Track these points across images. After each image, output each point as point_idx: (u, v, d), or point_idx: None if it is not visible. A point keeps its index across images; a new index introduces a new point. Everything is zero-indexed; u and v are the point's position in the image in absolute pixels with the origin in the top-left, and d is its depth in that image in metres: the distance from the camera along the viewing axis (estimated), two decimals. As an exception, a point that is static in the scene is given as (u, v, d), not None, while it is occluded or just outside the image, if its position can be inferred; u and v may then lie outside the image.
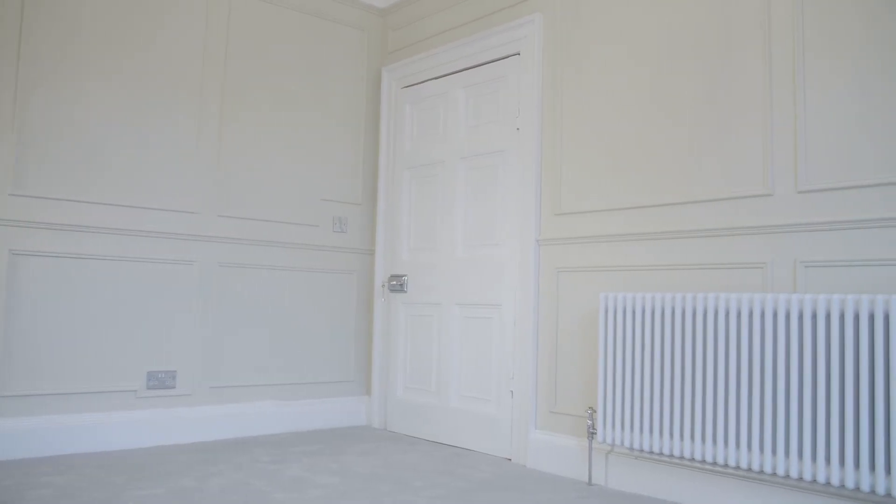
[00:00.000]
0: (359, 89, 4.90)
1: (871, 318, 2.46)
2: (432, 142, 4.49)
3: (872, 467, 2.43)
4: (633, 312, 3.10)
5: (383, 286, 4.71)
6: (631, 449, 3.15)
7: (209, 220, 4.18)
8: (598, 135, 3.54)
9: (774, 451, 2.65)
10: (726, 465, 2.79)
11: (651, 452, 3.05)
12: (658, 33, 3.33)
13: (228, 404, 4.21)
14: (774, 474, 2.67)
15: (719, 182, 3.06)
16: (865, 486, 2.43)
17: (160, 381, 3.96)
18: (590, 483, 3.34)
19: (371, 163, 4.92)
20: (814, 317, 2.58)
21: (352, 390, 4.75)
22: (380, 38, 5.00)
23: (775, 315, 2.67)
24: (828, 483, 2.54)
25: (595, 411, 3.32)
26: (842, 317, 2.52)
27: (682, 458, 2.95)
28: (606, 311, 3.20)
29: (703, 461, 2.86)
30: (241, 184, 4.32)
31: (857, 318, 2.49)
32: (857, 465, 2.47)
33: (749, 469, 2.72)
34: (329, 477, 3.33)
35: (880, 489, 2.39)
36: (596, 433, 3.25)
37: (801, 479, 2.60)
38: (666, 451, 2.94)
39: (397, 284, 4.57)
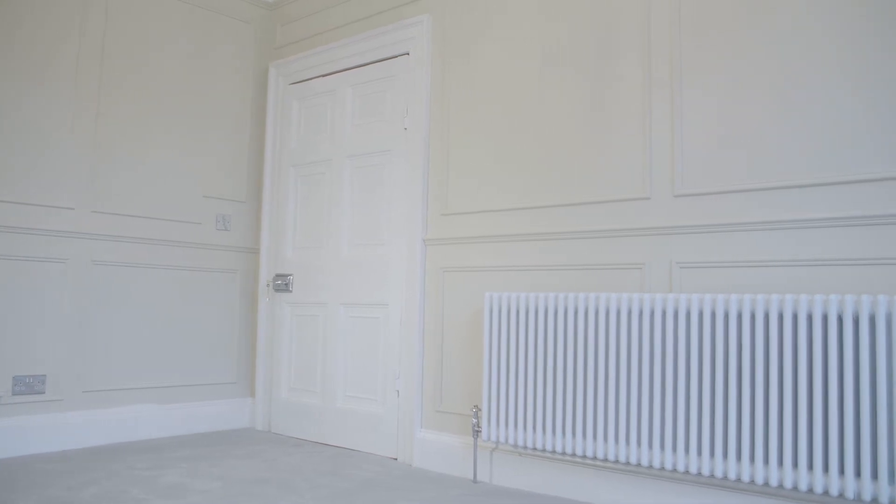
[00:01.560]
0: (245, 84, 4.78)
1: (739, 316, 2.59)
2: (319, 139, 4.44)
3: (739, 457, 2.56)
4: (517, 312, 3.15)
5: (268, 286, 4.61)
6: (515, 446, 3.21)
7: (82, 215, 3.97)
8: (485, 136, 3.59)
9: (651, 445, 2.75)
10: (606, 460, 2.89)
11: (534, 449, 3.12)
12: (545, 39, 3.41)
13: (103, 409, 4.02)
14: (651, 467, 2.78)
15: (602, 185, 3.16)
16: (732, 475, 2.56)
17: (28, 386, 3.74)
18: (475, 481, 3.38)
19: (256, 160, 4.81)
20: (688, 315, 2.70)
21: (235, 392, 4.63)
22: (268, 32, 4.90)
23: (652, 314, 2.78)
24: (699, 473, 2.67)
25: (480, 410, 3.36)
26: (713, 315, 2.65)
27: (564, 453, 3.03)
28: (491, 311, 3.24)
29: (584, 456, 2.95)
30: (118, 179, 4.13)
31: (726, 316, 2.62)
32: (725, 455, 2.59)
33: (627, 463, 2.82)
34: (210, 482, 3.23)
35: (745, 477, 2.53)
36: (481, 431, 3.29)
37: (675, 470, 2.72)
38: (549, 447, 3.01)
39: (282, 284, 4.49)
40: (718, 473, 2.59)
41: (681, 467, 2.67)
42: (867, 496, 2.32)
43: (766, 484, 2.51)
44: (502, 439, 3.17)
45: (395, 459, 3.81)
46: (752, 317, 2.57)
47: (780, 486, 2.49)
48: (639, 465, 2.79)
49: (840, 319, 2.41)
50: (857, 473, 2.36)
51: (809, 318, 2.46)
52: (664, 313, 2.75)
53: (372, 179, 4.11)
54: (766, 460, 2.52)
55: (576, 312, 2.98)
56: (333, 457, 3.83)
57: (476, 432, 3.35)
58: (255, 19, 4.83)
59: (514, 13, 3.54)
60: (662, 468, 2.74)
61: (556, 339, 3.02)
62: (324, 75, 4.45)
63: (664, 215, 2.97)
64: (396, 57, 4.06)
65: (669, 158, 2.98)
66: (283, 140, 4.64)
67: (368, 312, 4.05)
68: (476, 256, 3.57)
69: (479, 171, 3.59)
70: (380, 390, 3.95)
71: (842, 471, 2.38)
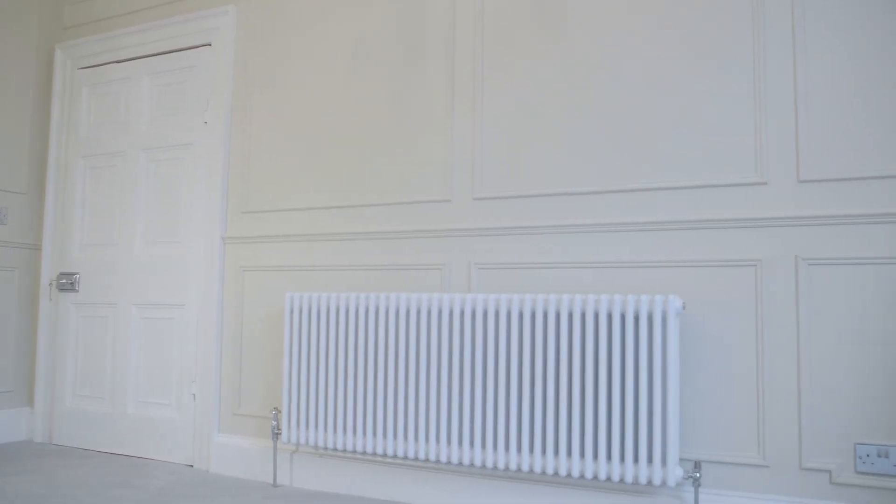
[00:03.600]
0: (27, 66, 4.38)
1: (533, 315, 2.71)
2: (113, 130, 4.16)
3: (519, 449, 2.69)
4: (319, 312, 3.12)
5: (51, 285, 4.26)
6: (316, 447, 3.18)
7: None
8: (289, 134, 3.52)
9: (449, 442, 2.82)
10: (406, 458, 2.93)
11: (336, 450, 3.09)
12: (354, 35, 3.40)
13: None
14: (449, 463, 2.85)
15: (406, 186, 3.20)
16: (525, 467, 2.68)
17: None
18: (275, 484, 3.31)
19: (40, 148, 4.43)
20: (485, 315, 2.79)
21: (10, 401, 4.24)
22: (54, 11, 4.52)
23: (451, 314, 2.84)
24: (494, 467, 2.77)
25: (280, 412, 3.30)
26: (508, 314, 2.75)
27: (365, 453, 3.03)
28: (292, 311, 3.18)
29: (385, 455, 2.97)
30: None
31: (521, 315, 2.74)
32: (519, 449, 2.71)
33: (427, 460, 2.86)
34: (-24, 500, 2.94)
35: (548, 469, 2.66)
36: (281, 433, 3.23)
37: (472, 465, 2.79)
38: (350, 447, 3.00)
39: (68, 283, 4.17)
40: (512, 466, 2.70)
41: (478, 463, 2.75)
42: (643, 480, 2.52)
43: (569, 475, 2.64)
44: (303, 441, 3.12)
45: (192, 466, 3.65)
46: (545, 315, 2.70)
47: (582, 476, 2.64)
48: (438, 461, 2.84)
49: (623, 318, 2.58)
50: (636, 459, 2.55)
51: (596, 316, 2.62)
52: (462, 313, 2.82)
53: (169, 174, 3.92)
54: (570, 453, 2.64)
55: (377, 312, 2.99)
56: (124, 467, 3.61)
57: (276, 435, 3.28)
58: (40, -4, 4.45)
59: (323, 8, 3.50)
60: (461, 463, 2.81)
61: (358, 339, 3.02)
62: (119, 61, 4.18)
63: (464, 217, 3.06)
64: (198, 47, 3.89)
65: (470, 161, 3.07)
66: (70, 128, 4.31)
67: (163, 313, 3.85)
68: (278, 256, 3.49)
69: (283, 169, 3.52)
70: (175, 394, 3.77)
71: (622, 458, 2.56)
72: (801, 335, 2.53)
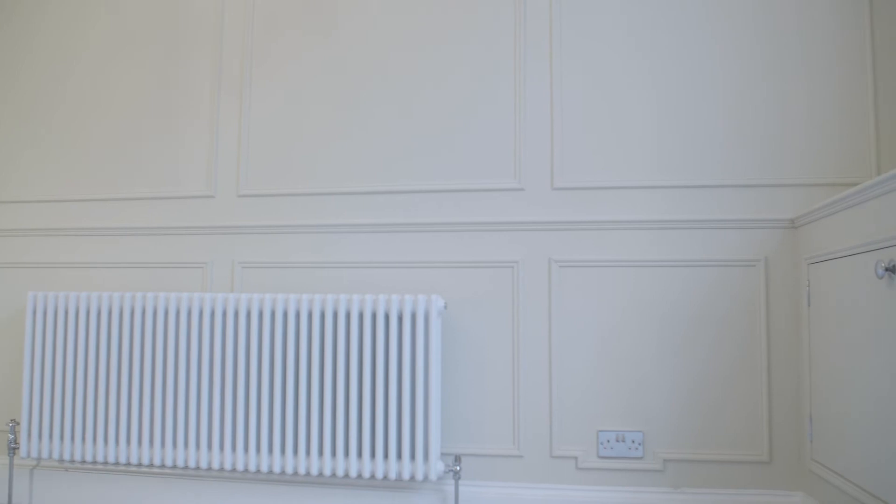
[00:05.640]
0: None
1: (298, 315, 2.67)
2: None
3: (283, 451, 2.64)
4: (67, 313, 2.87)
5: None
6: (61, 461, 2.92)
7: None
8: (30, 117, 3.20)
9: (210, 447, 2.70)
10: (164, 467, 2.77)
11: (84, 462, 2.86)
12: (112, 21, 3.15)
13: None
14: (210, 469, 2.74)
15: (167, 181, 3.03)
16: (290, 469, 2.63)
17: None
18: (11, 504, 3.00)
19: None
20: (248, 315, 2.71)
21: None
22: None
23: (213, 314, 2.73)
24: (258, 471, 2.70)
25: (18, 423, 3.00)
26: (273, 315, 2.69)
27: (116, 464, 2.84)
28: (35, 313, 2.90)
29: (140, 465, 2.79)
30: None
31: (285, 315, 2.68)
32: (283, 451, 2.66)
33: (186, 467, 2.73)
34: None
35: (312, 470, 2.62)
36: (19, 448, 2.93)
37: (234, 470, 2.71)
38: (100, 458, 2.79)
39: None
40: (276, 469, 2.65)
41: (240, 467, 2.67)
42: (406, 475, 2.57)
43: (334, 475, 2.63)
44: (46, 455, 2.85)
45: None
46: (310, 315, 2.67)
47: (347, 475, 2.64)
48: (198, 468, 2.72)
49: (387, 317, 2.61)
50: (399, 456, 2.59)
51: (360, 316, 2.64)
52: (225, 312, 2.72)
53: None
54: (334, 453, 2.63)
55: (132, 313, 2.80)
56: None
57: (13, 449, 2.97)
58: None
59: (71, -15, 3.22)
60: (222, 469, 2.71)
61: (111, 342, 2.81)
62: None
63: (228, 214, 2.95)
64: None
65: (236, 157, 2.96)
66: None
67: None
68: (18, 251, 3.17)
69: (26, 157, 3.20)
70: None
71: (386, 456, 2.59)
72: (552, 333, 2.70)
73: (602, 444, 2.66)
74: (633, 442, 2.64)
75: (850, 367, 2.20)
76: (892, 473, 1.94)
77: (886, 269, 1.92)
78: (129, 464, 2.79)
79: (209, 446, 2.71)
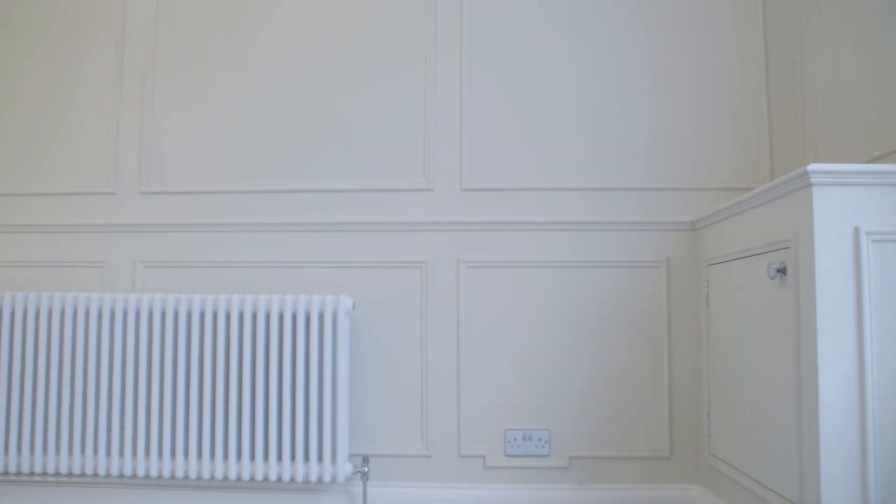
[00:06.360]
0: None
1: (202, 315, 2.61)
2: None
3: (186, 454, 2.58)
4: (-46, 315, 2.72)
5: None
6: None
7: None
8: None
9: (109, 453, 2.61)
10: (58, 474, 2.65)
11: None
12: (7, 13, 3.02)
13: None
14: (109, 475, 2.64)
15: (66, 177, 2.90)
16: (193, 473, 2.57)
17: None
18: None
19: None
20: (150, 315, 2.62)
21: None
22: None
23: (113, 315, 2.63)
24: (160, 476, 2.62)
25: None
26: (176, 315, 2.62)
27: (6, 473, 2.70)
28: (-81, 314, 2.74)
29: (31, 472, 2.65)
30: None
31: (189, 315, 2.62)
32: (187, 455, 2.59)
33: (83, 474, 2.63)
34: None
35: (217, 473, 2.56)
36: None
37: (134, 475, 2.62)
38: (-11, 467, 2.66)
39: None
40: (179, 474, 2.58)
41: (141, 472, 2.59)
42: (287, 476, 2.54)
43: (240, 479, 2.58)
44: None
45: None
46: (215, 316, 2.61)
47: (253, 478, 2.58)
48: (96, 475, 2.62)
49: (294, 318, 2.58)
50: (307, 458, 2.56)
51: (267, 317, 2.60)
52: (125, 313, 2.63)
53: None
54: (239, 456, 2.58)
55: (25, 314, 2.67)
56: None
57: None
58: None
59: (-39, -30, 3.06)
60: (122, 475, 2.62)
61: (1, 344, 2.67)
62: None
63: (129, 212, 2.86)
64: None
65: (138, 153, 2.87)
66: None
67: None
68: None
69: None
70: None
71: (293, 458, 2.56)
72: (460, 333, 2.72)
73: (509, 442, 2.69)
74: (539, 440, 2.68)
75: (744, 364, 2.28)
76: (780, 464, 2.02)
77: (778, 271, 2.00)
78: (19, 472, 2.65)
79: (108, 452, 2.62)
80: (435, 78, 2.80)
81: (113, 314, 2.64)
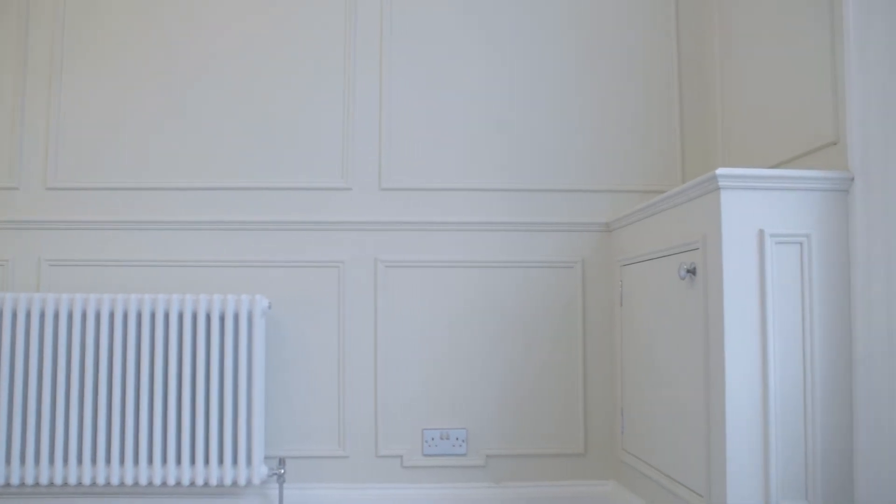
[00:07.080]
0: None
1: (112, 315, 2.53)
2: None
3: (94, 460, 2.50)
4: None
5: None
6: None
7: None
8: None
9: (9, 461, 2.50)
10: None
11: None
12: None
13: None
14: (9, 485, 2.53)
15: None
16: (101, 480, 2.48)
17: None
18: None
19: None
20: (56, 316, 2.52)
21: None
22: None
23: (14, 314, 2.51)
24: (65, 484, 2.52)
25: None
26: (84, 315, 2.53)
27: None
28: None
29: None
30: None
31: (98, 315, 2.53)
32: (94, 461, 2.50)
33: (8, 484, 2.52)
34: None
35: (127, 479, 2.48)
36: None
37: (37, 484, 2.52)
38: None
39: None
40: (86, 480, 2.48)
41: (44, 480, 2.48)
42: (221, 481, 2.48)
43: (151, 484, 2.51)
44: None
45: None
46: (125, 316, 2.53)
47: (164, 483, 2.50)
48: (23, 483, 2.51)
49: (208, 318, 2.52)
50: (221, 461, 2.51)
51: (180, 316, 2.53)
52: (28, 313, 2.52)
53: None
54: (150, 461, 2.51)
55: (-81, 315, 2.54)
56: None
57: None
58: None
59: None
60: (23, 484, 2.51)
61: None
62: None
63: (34, 208, 2.74)
64: None
65: (44, 146, 2.76)
66: None
67: None
68: None
69: None
70: None
71: (207, 461, 2.50)
72: (378, 333, 2.71)
73: (427, 442, 2.69)
74: (457, 439, 2.69)
75: (656, 362, 2.34)
76: (689, 458, 2.08)
77: (688, 271, 2.05)
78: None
79: (7, 460, 2.50)
80: (354, 76, 2.78)
81: (15, 315, 2.52)
